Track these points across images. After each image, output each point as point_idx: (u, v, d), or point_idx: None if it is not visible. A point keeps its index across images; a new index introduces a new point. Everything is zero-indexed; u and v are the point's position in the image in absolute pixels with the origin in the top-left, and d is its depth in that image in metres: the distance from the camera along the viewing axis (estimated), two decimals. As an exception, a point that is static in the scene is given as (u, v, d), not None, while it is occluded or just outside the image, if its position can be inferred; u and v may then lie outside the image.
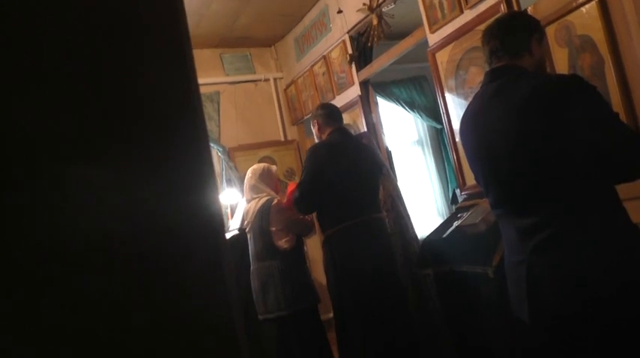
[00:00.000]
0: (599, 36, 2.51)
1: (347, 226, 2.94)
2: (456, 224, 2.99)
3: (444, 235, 3.01)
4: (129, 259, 0.46)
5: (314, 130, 3.23)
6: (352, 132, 4.53)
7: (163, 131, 0.50)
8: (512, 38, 1.73)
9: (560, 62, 2.70)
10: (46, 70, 0.45)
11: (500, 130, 1.63)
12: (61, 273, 0.43)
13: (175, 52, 0.52)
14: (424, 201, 6.25)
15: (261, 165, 3.54)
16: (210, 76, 5.58)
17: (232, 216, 5.09)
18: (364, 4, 4.29)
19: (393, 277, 3.06)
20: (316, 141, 3.27)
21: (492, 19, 1.87)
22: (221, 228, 0.53)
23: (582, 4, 2.57)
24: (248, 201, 3.36)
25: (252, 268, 3.29)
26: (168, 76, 0.51)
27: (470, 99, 3.28)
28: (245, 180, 3.43)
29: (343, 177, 2.97)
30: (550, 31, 2.73)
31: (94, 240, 0.45)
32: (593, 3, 2.50)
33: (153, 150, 0.49)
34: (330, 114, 3.17)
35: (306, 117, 5.47)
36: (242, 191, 5.10)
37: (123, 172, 0.47)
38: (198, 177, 0.51)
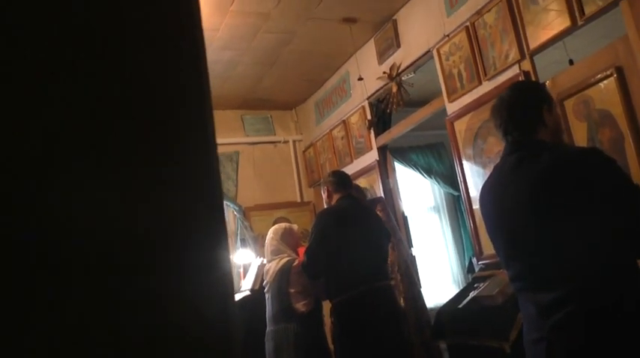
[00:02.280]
0: (618, 110, 2.52)
1: (354, 294, 2.89)
2: (472, 294, 2.92)
3: (460, 305, 2.94)
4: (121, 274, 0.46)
5: (324, 196, 3.26)
6: (369, 195, 4.55)
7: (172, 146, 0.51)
8: (523, 119, 1.73)
9: (579, 136, 2.71)
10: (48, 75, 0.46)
11: (520, 204, 1.61)
12: (53, 279, 0.43)
13: (190, 67, 0.53)
14: (440, 269, 6.15)
15: (283, 224, 3.53)
16: (231, 136, 5.69)
17: (244, 276, 5.05)
18: (384, 73, 4.40)
19: (402, 346, 2.97)
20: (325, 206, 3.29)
21: (496, 99, 1.83)
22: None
23: (601, 80, 2.60)
24: (269, 261, 3.33)
25: (267, 330, 3.21)
26: (178, 78, 0.52)
27: (488, 168, 3.31)
28: (266, 240, 3.41)
29: (350, 243, 2.95)
30: (568, 104, 2.75)
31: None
32: (612, 78, 2.53)
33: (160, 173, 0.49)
34: (340, 182, 3.21)
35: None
36: (256, 251, 5.09)
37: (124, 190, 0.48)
38: (205, 197, 0.51)
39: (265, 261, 3.45)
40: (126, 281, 0.46)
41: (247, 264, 5.13)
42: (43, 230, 0.43)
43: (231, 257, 5.33)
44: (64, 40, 0.46)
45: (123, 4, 0.50)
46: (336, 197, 3.16)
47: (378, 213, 3.42)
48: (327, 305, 3.16)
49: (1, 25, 0.44)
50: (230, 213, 5.54)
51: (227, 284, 0.52)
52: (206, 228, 0.51)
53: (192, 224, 0.51)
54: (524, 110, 1.74)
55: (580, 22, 2.73)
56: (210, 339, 0.50)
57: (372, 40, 4.61)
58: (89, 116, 0.46)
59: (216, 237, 0.52)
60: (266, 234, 3.52)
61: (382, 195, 4.64)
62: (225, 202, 5.51)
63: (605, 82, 2.58)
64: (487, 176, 1.88)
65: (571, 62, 3.18)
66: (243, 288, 4.84)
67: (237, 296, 4.66)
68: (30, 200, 0.43)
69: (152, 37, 0.51)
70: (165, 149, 0.50)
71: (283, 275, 3.15)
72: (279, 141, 6.00)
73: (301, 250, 3.23)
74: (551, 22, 2.87)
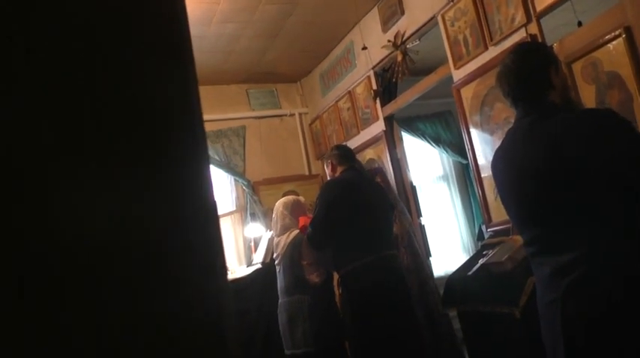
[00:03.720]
0: (626, 72, 2.48)
1: (362, 264, 2.91)
2: (481, 262, 2.93)
3: (470, 273, 2.95)
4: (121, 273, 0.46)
5: (327, 170, 3.27)
6: (376, 165, 4.54)
7: (162, 143, 0.50)
8: (531, 84, 1.70)
9: (588, 99, 2.67)
10: (43, 78, 0.45)
11: (534, 167, 1.60)
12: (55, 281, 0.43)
13: (175, 61, 0.52)
14: (450, 237, 6.17)
15: (291, 197, 3.53)
16: (237, 110, 5.67)
17: (256, 250, 5.09)
18: (389, 41, 4.34)
19: (410, 313, 3.00)
20: None
21: (501, 65, 1.78)
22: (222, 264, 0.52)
23: (609, 41, 2.55)
24: (278, 234, 3.34)
25: (280, 301, 3.25)
26: (167, 84, 0.51)
27: (495, 135, 3.28)
28: (275, 213, 3.42)
29: (355, 213, 2.97)
30: (576, 67, 2.70)
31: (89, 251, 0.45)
32: (621, 39, 2.48)
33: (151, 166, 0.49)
34: (344, 155, 3.23)
35: (330, 152, 5.50)
36: (266, 224, 5.12)
37: (117, 183, 0.47)
38: (195, 185, 0.51)
39: (274, 234, 3.46)
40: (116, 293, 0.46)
41: (258, 238, 5.17)
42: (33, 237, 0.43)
43: (242, 231, 5.38)
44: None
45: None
46: (340, 169, 3.17)
47: (379, 183, 3.43)
48: (335, 276, 3.18)
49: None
50: (239, 187, 5.56)
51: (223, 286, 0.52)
52: (200, 235, 0.52)
53: (185, 231, 0.51)
54: (531, 74, 1.70)
55: (588, -18, 2.67)
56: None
57: (376, 7, 4.54)
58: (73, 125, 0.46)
59: (210, 243, 0.52)
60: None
61: (390, 165, 4.63)
62: (233, 177, 5.53)
63: (613, 42, 2.52)
64: (495, 143, 1.86)
65: (580, 24, 3.11)
66: (255, 261, 4.89)
67: (250, 270, 4.71)
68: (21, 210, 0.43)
69: (143, 42, 0.50)
70: (156, 154, 0.50)
71: (295, 247, 3.17)
72: (285, 115, 5.98)
73: (302, 219, 3.24)
74: (558, -17, 2.81)
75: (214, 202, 0.55)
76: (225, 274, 0.53)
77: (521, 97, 1.71)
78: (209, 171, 0.54)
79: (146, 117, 0.49)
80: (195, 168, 0.52)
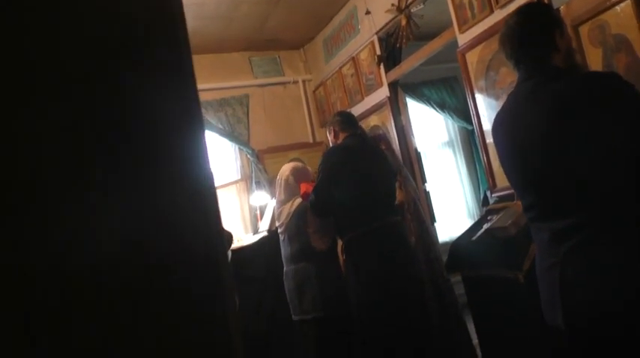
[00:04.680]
0: (634, 35, 2.43)
1: (365, 231, 2.92)
2: (485, 227, 2.94)
3: (474, 238, 2.96)
4: (125, 278, 0.46)
5: (330, 137, 3.25)
6: (379, 132, 4.51)
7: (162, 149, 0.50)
8: (535, 46, 1.67)
9: (594, 63, 2.63)
10: (42, 88, 0.45)
11: (535, 131, 1.59)
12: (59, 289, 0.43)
13: (175, 66, 0.52)
14: (455, 203, 6.18)
15: (297, 164, 3.50)
16: (239, 79, 5.63)
17: (261, 218, 5.12)
18: (393, 5, 4.26)
19: (414, 278, 3.02)
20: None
21: (504, 27, 1.75)
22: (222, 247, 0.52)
23: (617, 3, 2.49)
24: (282, 202, 3.32)
25: (285, 269, 3.27)
26: (167, 90, 0.51)
27: (501, 100, 3.25)
28: (279, 179, 3.39)
29: (358, 180, 2.96)
30: (583, 30, 2.66)
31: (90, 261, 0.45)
32: (628, 1, 2.43)
33: (149, 169, 0.49)
34: (346, 121, 3.19)
35: (334, 119, 5.47)
36: (271, 193, 5.14)
37: (120, 190, 0.47)
38: (197, 191, 0.51)
39: (277, 200, 3.44)
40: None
41: (263, 206, 5.19)
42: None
43: (248, 199, 5.40)
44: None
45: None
46: (342, 136, 3.15)
47: (382, 150, 3.42)
48: (339, 243, 3.20)
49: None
50: (244, 156, 5.56)
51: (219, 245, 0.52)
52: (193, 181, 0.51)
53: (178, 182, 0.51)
54: (535, 36, 1.68)
55: (596, -58, 2.60)
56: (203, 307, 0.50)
57: (379, -29, 4.45)
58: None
59: (204, 193, 0.51)
60: (281, 176, 3.50)
61: (394, 131, 4.61)
62: (238, 146, 5.52)
63: (621, 4, 2.47)
64: (500, 108, 1.84)
65: (587, -15, 3.04)
66: (261, 229, 4.93)
67: (256, 237, 4.75)
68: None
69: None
70: (146, 105, 0.50)
71: (300, 216, 3.17)
72: (289, 82, 5.93)
73: (303, 186, 3.22)
74: (565, -57, 2.73)
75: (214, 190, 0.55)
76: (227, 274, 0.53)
77: (523, 60, 1.68)
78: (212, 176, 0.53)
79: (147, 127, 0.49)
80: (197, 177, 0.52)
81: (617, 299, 1.46)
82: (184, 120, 0.51)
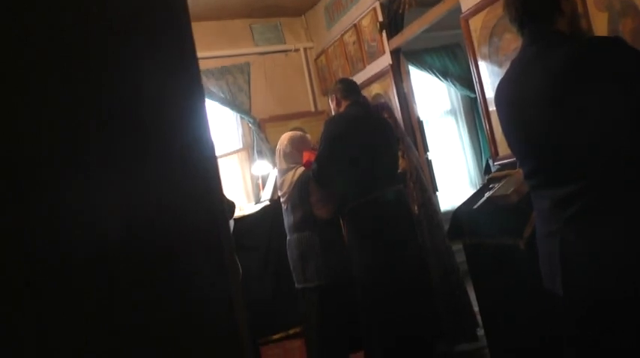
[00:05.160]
0: (641, -1, 2.39)
1: (368, 199, 2.92)
2: (487, 195, 2.93)
3: (475, 206, 2.96)
4: (131, 251, 0.46)
5: (332, 105, 3.21)
6: (382, 101, 4.48)
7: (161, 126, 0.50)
8: (539, 8, 1.64)
9: (600, 27, 2.59)
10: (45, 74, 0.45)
11: (539, 96, 1.57)
12: (62, 272, 0.44)
13: (175, 36, 0.51)
14: (457, 171, 6.17)
15: (296, 132, 3.47)
16: (241, 47, 5.57)
17: (264, 187, 5.14)
18: (395, -30, 4.18)
19: (417, 246, 3.04)
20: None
21: None
22: (222, 216, 0.52)
23: (624, -35, 2.44)
24: (283, 171, 3.32)
25: (288, 238, 3.28)
26: (166, 60, 0.50)
27: (504, 67, 3.21)
28: (278, 149, 3.37)
29: (361, 149, 2.94)
30: (589, -6, 2.61)
31: (94, 238, 0.45)
32: (637, -36, 2.38)
33: (152, 144, 0.49)
34: (348, 88, 3.15)
35: (336, 88, 5.42)
36: (273, 162, 5.14)
37: (123, 167, 0.47)
38: (200, 174, 0.51)
39: (278, 169, 3.44)
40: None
41: (265, 175, 5.20)
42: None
43: (250, 168, 5.41)
44: None
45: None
46: (344, 104, 3.12)
47: (385, 118, 3.39)
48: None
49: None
50: (245, 125, 5.54)
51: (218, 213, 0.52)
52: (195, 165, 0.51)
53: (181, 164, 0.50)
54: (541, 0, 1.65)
55: None
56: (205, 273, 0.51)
57: None
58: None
59: (207, 174, 0.51)
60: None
61: (397, 100, 4.57)
62: (239, 115, 5.50)
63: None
64: (503, 74, 1.82)
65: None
66: (263, 199, 4.95)
67: (258, 206, 4.77)
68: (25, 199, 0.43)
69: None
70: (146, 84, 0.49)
71: (303, 185, 3.16)
72: (290, 50, 5.86)
73: (306, 154, 3.21)
74: None
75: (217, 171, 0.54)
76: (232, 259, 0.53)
77: (527, 23, 1.66)
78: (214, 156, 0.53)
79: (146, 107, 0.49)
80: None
81: (617, 268, 1.47)
82: (185, 91, 0.51)
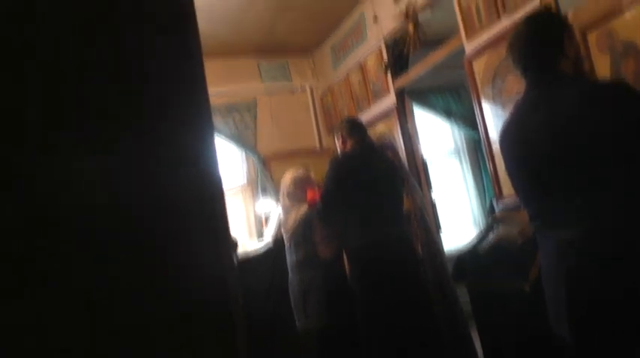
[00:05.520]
0: (643, 42, 2.41)
1: (372, 239, 2.89)
2: (492, 236, 2.91)
3: (480, 247, 2.94)
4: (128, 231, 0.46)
5: (338, 143, 3.23)
6: (386, 140, 4.50)
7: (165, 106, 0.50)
8: (543, 51, 1.65)
9: (602, 69, 2.60)
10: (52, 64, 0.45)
11: (542, 139, 1.57)
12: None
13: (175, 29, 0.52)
14: (461, 212, 6.14)
15: (299, 171, 3.47)
16: (248, 84, 5.63)
17: (267, 225, 5.11)
18: (400, 12, 4.25)
19: (420, 286, 3.00)
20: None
21: (512, 33, 1.76)
22: (220, 195, 0.52)
23: (625, 10, 2.47)
24: (286, 209, 3.31)
25: (290, 277, 3.24)
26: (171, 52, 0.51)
27: (507, 108, 3.22)
28: (282, 186, 3.37)
29: (365, 189, 2.93)
30: (591, 37, 2.63)
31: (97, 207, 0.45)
32: (638, 8, 2.41)
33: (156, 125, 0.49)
34: (354, 127, 3.17)
35: (341, 126, 5.45)
36: (277, 199, 5.13)
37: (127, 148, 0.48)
38: (198, 149, 0.51)
39: (281, 207, 3.42)
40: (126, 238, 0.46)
41: (268, 212, 5.18)
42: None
43: (253, 206, 5.39)
44: None
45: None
46: (350, 143, 3.13)
47: (390, 158, 3.39)
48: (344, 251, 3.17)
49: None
50: (250, 162, 5.56)
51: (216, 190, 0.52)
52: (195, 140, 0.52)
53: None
54: (543, 42, 1.66)
55: (605, -51, 2.57)
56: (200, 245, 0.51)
57: (387, -23, 4.45)
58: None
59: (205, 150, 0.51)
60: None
61: (401, 139, 4.59)
62: (244, 151, 5.52)
63: (630, 11, 2.45)
64: (507, 116, 1.82)
65: (596, -7, 3.02)
66: (266, 236, 4.91)
67: (260, 245, 4.74)
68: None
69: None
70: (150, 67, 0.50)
71: (306, 223, 3.15)
72: (297, 88, 5.93)
73: (310, 192, 3.21)
74: (574, -50, 2.71)
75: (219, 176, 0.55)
76: (230, 246, 0.54)
77: (531, 66, 1.67)
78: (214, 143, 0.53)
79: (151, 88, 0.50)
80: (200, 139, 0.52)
81: (620, 288, 1.43)
82: (196, 127, 0.52)
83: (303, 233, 3.16)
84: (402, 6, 4.26)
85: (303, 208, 3.21)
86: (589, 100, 1.50)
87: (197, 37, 0.53)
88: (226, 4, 4.40)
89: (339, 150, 3.27)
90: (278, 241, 4.31)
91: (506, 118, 1.82)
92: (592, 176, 1.48)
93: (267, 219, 5.17)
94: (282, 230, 3.35)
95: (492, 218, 3.33)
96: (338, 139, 3.23)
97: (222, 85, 5.28)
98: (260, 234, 5.20)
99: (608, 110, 1.47)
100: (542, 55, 1.65)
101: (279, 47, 5.64)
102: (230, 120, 5.43)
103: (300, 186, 3.31)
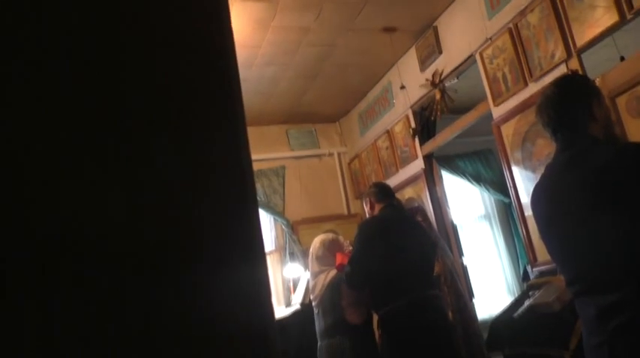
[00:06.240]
0: (674, 105, 2.41)
1: (402, 304, 2.82)
2: (527, 303, 2.82)
3: (515, 315, 2.84)
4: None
5: (366, 208, 3.23)
6: (415, 204, 4.48)
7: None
8: (572, 115, 1.66)
9: (635, 133, 2.60)
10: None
11: (575, 204, 1.55)
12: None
13: (224, 107, 0.54)
14: (493, 278, 5.99)
15: (329, 235, 3.46)
16: (277, 151, 5.75)
17: (295, 290, 5.05)
18: (427, 80, 4.35)
19: (453, 354, 2.88)
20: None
21: (541, 96, 1.77)
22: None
23: (654, 74, 2.49)
24: (315, 274, 3.27)
25: (319, 344, 3.17)
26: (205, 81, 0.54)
27: (538, 172, 3.21)
28: (311, 251, 3.35)
29: (394, 252, 2.89)
30: (621, 101, 2.65)
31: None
32: (667, 72, 2.43)
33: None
34: (382, 191, 3.18)
35: (369, 191, 5.48)
36: (305, 265, 5.10)
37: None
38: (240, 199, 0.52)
39: (310, 272, 3.39)
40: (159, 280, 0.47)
41: (296, 278, 5.14)
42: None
43: (281, 272, 5.36)
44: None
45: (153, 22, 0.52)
46: (378, 207, 3.13)
47: (419, 221, 3.37)
48: (375, 316, 3.10)
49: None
50: (278, 227, 5.58)
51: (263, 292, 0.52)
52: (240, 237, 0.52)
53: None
54: (572, 105, 1.67)
55: (629, 17, 2.63)
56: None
57: (413, 47, 4.58)
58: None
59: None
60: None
61: (430, 204, 4.57)
62: (273, 216, 5.56)
63: (659, 75, 2.47)
64: (538, 179, 1.81)
65: (622, 59, 3.06)
66: (294, 302, 4.85)
67: (288, 311, 4.67)
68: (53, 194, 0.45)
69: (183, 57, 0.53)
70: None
71: (334, 288, 3.11)
72: (324, 154, 6.02)
73: (339, 256, 3.18)
74: (598, 19, 2.78)
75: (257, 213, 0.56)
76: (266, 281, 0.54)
77: (560, 129, 1.67)
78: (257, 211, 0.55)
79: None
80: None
81: None
82: (240, 195, 0.53)
83: (330, 298, 3.10)
84: (429, 74, 4.36)
85: (332, 272, 3.18)
86: (621, 160, 1.49)
87: (242, 111, 0.56)
88: (258, 76, 4.57)
89: (367, 215, 3.27)
90: (306, 306, 4.25)
91: (537, 182, 1.81)
92: (627, 238, 1.45)
93: (294, 286, 5.12)
94: (311, 295, 3.31)
95: (527, 284, 3.24)
96: (366, 204, 3.23)
97: (252, 152, 5.38)
98: (288, 301, 5.13)
99: (639, 171, 1.46)
100: (571, 117, 1.66)
101: (307, 116, 5.79)
102: (259, 186, 5.51)
103: (330, 249, 3.28)
